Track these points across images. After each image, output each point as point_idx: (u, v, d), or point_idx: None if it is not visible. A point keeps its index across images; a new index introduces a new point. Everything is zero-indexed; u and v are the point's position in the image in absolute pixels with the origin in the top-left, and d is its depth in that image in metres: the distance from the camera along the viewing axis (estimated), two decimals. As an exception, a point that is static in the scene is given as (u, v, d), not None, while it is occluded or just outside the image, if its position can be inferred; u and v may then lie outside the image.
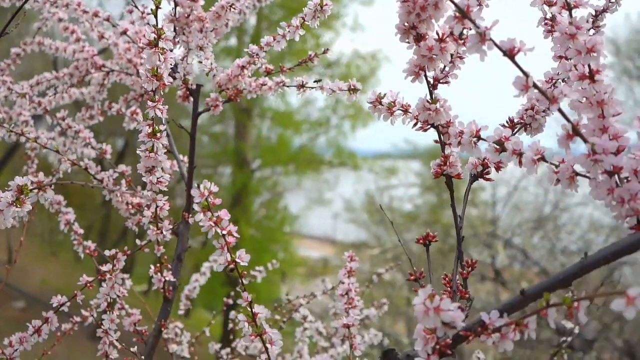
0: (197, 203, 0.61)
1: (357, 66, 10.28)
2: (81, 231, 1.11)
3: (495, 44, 0.50)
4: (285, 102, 12.00)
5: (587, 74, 0.54)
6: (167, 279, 0.97)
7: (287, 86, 0.98)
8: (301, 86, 0.96)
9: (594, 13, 0.72)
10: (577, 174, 0.55)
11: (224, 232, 0.62)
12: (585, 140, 0.51)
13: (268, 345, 0.64)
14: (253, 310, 0.65)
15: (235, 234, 0.63)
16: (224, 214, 0.63)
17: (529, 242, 6.16)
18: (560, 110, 0.51)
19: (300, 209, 12.16)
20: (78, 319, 1.13)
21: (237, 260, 0.63)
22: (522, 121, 0.69)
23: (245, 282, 0.65)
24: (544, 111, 0.67)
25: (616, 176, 0.53)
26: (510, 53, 0.51)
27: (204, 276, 1.45)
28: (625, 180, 0.52)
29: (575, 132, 0.51)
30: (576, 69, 0.55)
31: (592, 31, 0.72)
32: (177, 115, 1.10)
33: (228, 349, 1.37)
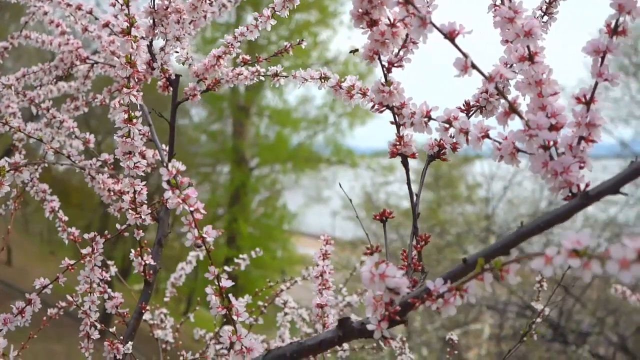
0: (165, 181, 0.65)
1: (355, 64, 10.31)
2: (66, 218, 1.14)
3: (436, 27, 0.54)
4: (283, 100, 12.05)
5: (527, 56, 0.57)
6: (147, 262, 1.00)
7: (263, 76, 1.01)
8: (275, 75, 0.99)
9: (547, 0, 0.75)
10: (518, 149, 0.58)
11: (192, 209, 0.65)
12: (521, 117, 0.55)
13: (234, 317, 0.68)
14: (220, 284, 0.68)
15: (203, 211, 0.66)
16: (192, 192, 0.66)
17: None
18: (498, 89, 0.54)
19: (298, 206, 12.20)
20: (63, 303, 1.16)
21: (205, 236, 0.67)
22: (477, 104, 0.72)
23: (210, 256, 0.68)
24: (497, 94, 0.70)
25: (554, 150, 0.56)
26: (450, 36, 0.54)
27: (190, 265, 1.49)
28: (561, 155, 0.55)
29: (512, 109, 0.55)
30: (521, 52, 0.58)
31: (545, 17, 0.76)
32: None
33: (211, 334, 1.40)
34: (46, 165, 0.98)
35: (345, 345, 1.28)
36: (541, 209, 7.06)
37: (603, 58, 0.55)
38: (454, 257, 6.14)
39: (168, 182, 0.65)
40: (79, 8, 1.13)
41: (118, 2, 1.03)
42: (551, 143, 0.54)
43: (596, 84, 0.55)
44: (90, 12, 1.13)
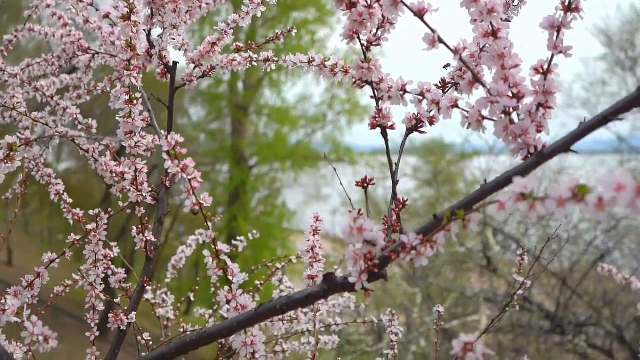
0: (165, 152, 0.71)
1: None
2: (70, 200, 1.20)
3: (406, 6, 0.60)
4: (282, 98, 12.10)
5: (490, 32, 0.63)
6: (148, 239, 1.06)
7: (255, 61, 1.07)
8: (267, 60, 1.05)
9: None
10: (484, 117, 0.64)
11: (190, 177, 0.71)
12: (484, 86, 0.61)
13: (230, 277, 0.74)
14: (217, 247, 0.74)
15: (200, 180, 0.72)
16: (190, 162, 0.72)
17: (519, 231, 6.26)
18: (462, 61, 0.60)
19: (298, 204, 12.25)
20: (69, 282, 1.22)
21: (202, 202, 0.73)
22: (452, 81, 0.78)
23: (209, 223, 0.74)
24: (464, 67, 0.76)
25: (515, 116, 0.62)
26: (420, 13, 0.60)
27: (190, 248, 1.55)
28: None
29: (475, 79, 0.61)
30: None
31: (516, 1, 0.82)
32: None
33: (211, 311, 1.46)
34: (70, 140, 1.04)
35: (339, 319, 1.35)
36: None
37: (558, 32, 0.61)
38: (451, 250, 6.20)
39: (168, 152, 0.71)
40: (80, 0, 1.19)
41: (118, -7, 1.09)
42: (511, 109, 0.60)
43: (552, 55, 0.61)
44: (91, 4, 1.19)
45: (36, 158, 1.06)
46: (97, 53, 1.28)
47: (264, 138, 12.04)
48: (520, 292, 1.15)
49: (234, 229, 10.49)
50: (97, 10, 1.17)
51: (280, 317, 1.15)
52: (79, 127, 1.19)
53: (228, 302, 0.73)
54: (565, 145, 0.56)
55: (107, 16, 1.16)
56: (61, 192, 1.21)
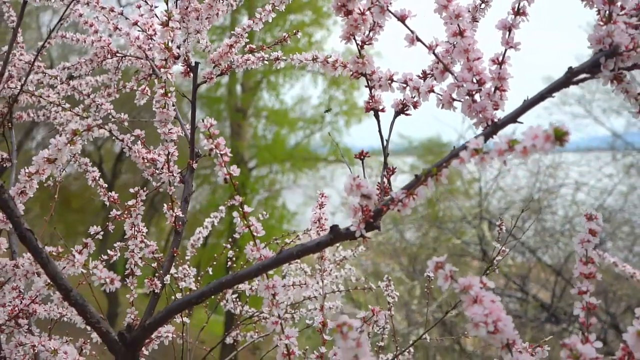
0: (202, 132, 0.88)
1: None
2: (105, 185, 1.37)
3: (392, 13, 0.77)
4: (280, 100, 12.27)
5: (458, 32, 0.81)
6: (177, 214, 1.24)
7: (266, 60, 1.25)
8: (276, 59, 1.23)
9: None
10: (453, 99, 0.82)
11: (222, 152, 0.89)
12: (452, 74, 0.78)
13: (254, 233, 0.92)
14: (243, 209, 0.92)
15: (229, 154, 0.90)
16: (221, 140, 0.90)
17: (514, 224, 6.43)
18: (435, 55, 0.78)
19: (297, 206, 12.41)
20: (104, 257, 1.39)
21: (231, 172, 0.90)
22: (431, 72, 0.96)
23: (235, 187, 0.92)
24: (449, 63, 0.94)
25: (478, 97, 0.80)
26: (402, 18, 0.78)
27: (205, 229, 1.73)
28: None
29: (445, 69, 0.78)
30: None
31: (482, 5, 0.99)
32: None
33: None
34: (107, 131, 1.21)
35: (342, 287, 1.52)
36: (534, 198, 7.32)
37: (510, 31, 0.79)
38: (448, 244, 6.38)
39: (203, 132, 0.88)
40: (111, 10, 1.36)
41: (146, 2, 1.27)
42: (474, 92, 0.78)
43: (505, 50, 0.79)
44: (121, 13, 1.37)
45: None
46: (125, 56, 1.46)
47: (263, 140, 12.21)
48: (499, 257, 1.33)
49: (235, 230, 10.62)
50: (126, 19, 1.35)
51: (292, 283, 1.32)
52: (112, 120, 1.37)
53: (252, 255, 0.90)
54: (512, 118, 0.74)
55: (135, 23, 1.34)
56: (97, 178, 1.39)
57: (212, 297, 1.67)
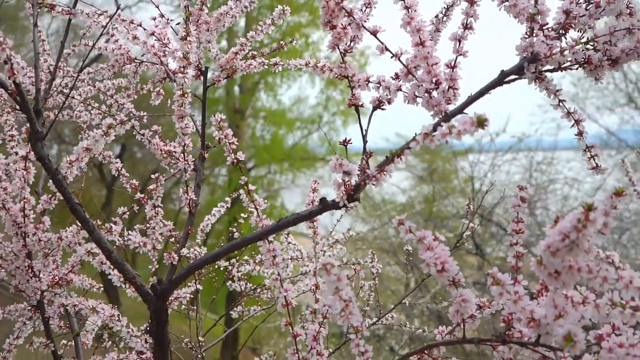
0: (213, 125, 1.09)
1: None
2: (127, 175, 1.58)
3: (365, 28, 0.98)
4: (278, 101, 12.47)
5: (419, 42, 1.02)
6: (191, 197, 1.44)
7: (267, 65, 1.46)
8: (276, 64, 1.44)
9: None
10: (416, 95, 1.03)
11: (230, 141, 1.10)
12: (414, 76, 0.99)
13: (258, 207, 1.12)
14: (248, 187, 1.13)
15: (236, 143, 1.11)
16: (230, 132, 1.10)
17: (506, 218, 6.66)
18: (400, 61, 0.99)
19: (296, 205, 12.60)
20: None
21: (238, 157, 1.11)
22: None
23: (242, 170, 1.12)
24: (415, 67, 1.15)
25: (435, 94, 1.01)
26: (374, 33, 0.99)
27: (213, 217, 1.94)
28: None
29: (409, 72, 0.99)
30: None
31: (444, 18, 1.20)
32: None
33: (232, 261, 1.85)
34: (133, 124, 1.42)
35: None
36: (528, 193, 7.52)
37: (459, 42, 1.00)
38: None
39: (215, 125, 1.09)
40: (131, 22, 1.57)
41: (162, 16, 1.48)
42: (432, 90, 0.99)
43: (456, 57, 1.00)
44: (140, 25, 1.58)
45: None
46: (142, 62, 1.67)
47: (261, 140, 12.41)
48: (467, 233, 1.54)
49: (234, 231, 10.81)
50: (144, 29, 1.55)
51: (290, 256, 1.53)
52: (133, 118, 1.58)
53: (257, 224, 1.11)
54: (459, 110, 0.95)
55: (152, 34, 1.55)
56: (120, 168, 1.59)
57: (222, 273, 1.87)
